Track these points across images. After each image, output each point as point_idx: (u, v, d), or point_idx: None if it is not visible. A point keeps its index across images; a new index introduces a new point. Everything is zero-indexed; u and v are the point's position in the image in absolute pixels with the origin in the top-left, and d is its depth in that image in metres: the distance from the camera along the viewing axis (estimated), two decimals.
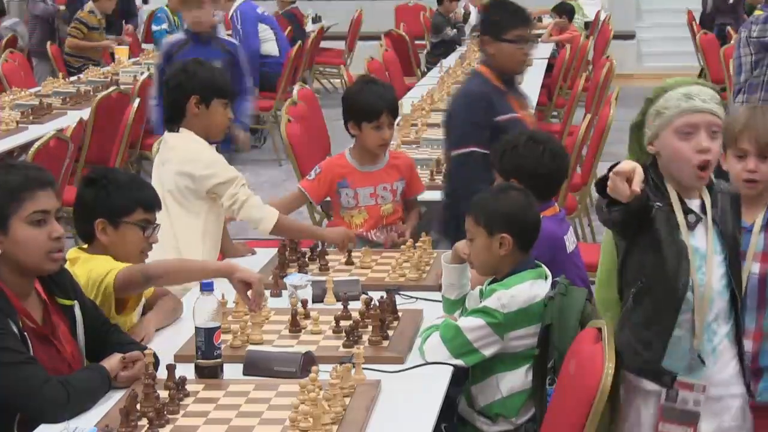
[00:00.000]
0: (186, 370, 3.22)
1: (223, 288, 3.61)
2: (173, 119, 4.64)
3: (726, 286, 3.17)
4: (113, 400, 3.12)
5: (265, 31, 11.40)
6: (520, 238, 3.57)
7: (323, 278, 4.09)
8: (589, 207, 7.64)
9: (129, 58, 11.52)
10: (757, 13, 7.10)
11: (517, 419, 3.57)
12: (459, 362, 3.47)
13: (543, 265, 3.62)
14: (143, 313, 3.78)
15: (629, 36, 16.98)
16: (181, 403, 3.08)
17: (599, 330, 3.17)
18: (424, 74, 12.05)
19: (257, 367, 3.32)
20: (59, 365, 3.17)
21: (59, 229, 3.18)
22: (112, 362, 3.20)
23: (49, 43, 11.57)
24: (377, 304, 3.66)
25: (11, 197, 3.12)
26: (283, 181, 10.05)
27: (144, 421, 2.94)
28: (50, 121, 7.93)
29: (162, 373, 3.16)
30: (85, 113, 7.87)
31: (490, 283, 3.60)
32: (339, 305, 3.79)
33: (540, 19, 14.12)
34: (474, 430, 3.64)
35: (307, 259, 4.41)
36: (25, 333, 3.10)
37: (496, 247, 3.56)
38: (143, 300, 3.77)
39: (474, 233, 3.61)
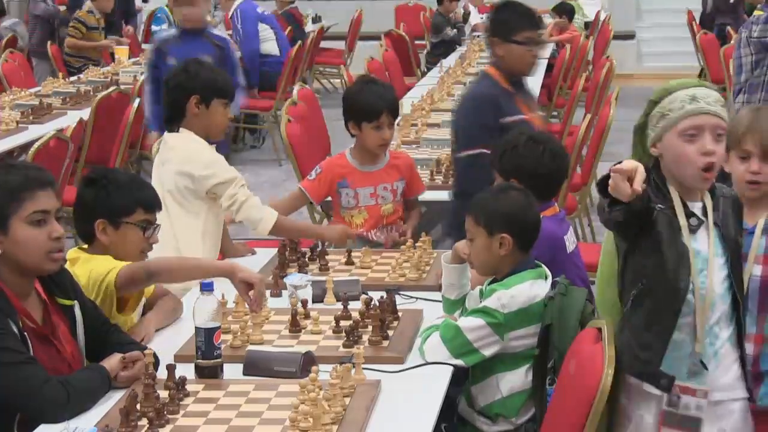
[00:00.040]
0: (186, 370, 3.22)
1: (223, 288, 3.61)
2: (173, 119, 4.64)
3: (728, 290, 3.15)
4: (113, 400, 3.12)
5: (265, 31, 11.41)
6: (520, 238, 3.57)
7: (323, 278, 4.09)
8: (589, 207, 7.64)
9: (129, 58, 11.52)
10: (757, 13, 7.10)
11: (517, 419, 3.57)
12: (459, 362, 3.47)
13: (543, 265, 3.62)
14: (143, 313, 3.78)
15: (629, 36, 16.98)
16: (181, 403, 3.08)
17: (599, 330, 3.17)
18: (424, 74, 12.05)
19: (257, 367, 3.32)
20: (59, 365, 3.17)
21: (59, 229, 3.18)
22: (112, 362, 3.20)
23: (49, 43, 11.57)
24: (377, 304, 3.66)
25: (11, 197, 3.12)
26: (283, 181, 10.05)
27: (144, 421, 2.94)
28: (50, 121, 7.93)
29: (162, 373, 3.16)
30: (85, 113, 7.87)
31: (490, 283, 3.60)
32: (339, 305, 3.79)
33: (540, 19, 14.12)
34: (474, 430, 3.65)
35: (307, 259, 4.41)
36: (25, 333, 3.10)
37: (496, 247, 3.56)
38: (143, 300, 3.77)
39: (474, 233, 3.61)
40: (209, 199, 4.56)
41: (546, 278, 3.57)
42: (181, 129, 4.62)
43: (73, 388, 3.06)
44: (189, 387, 3.16)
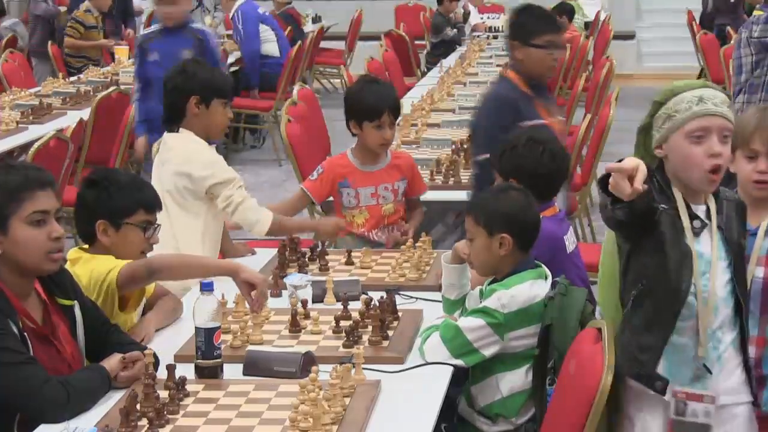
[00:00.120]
0: (186, 370, 3.22)
1: (223, 288, 3.62)
2: (173, 119, 4.64)
3: (731, 293, 3.13)
4: (113, 400, 3.12)
5: (266, 32, 11.41)
6: (520, 238, 3.57)
7: (323, 278, 4.09)
8: (589, 207, 7.64)
9: (129, 58, 11.51)
10: (756, 13, 7.10)
11: (517, 419, 3.57)
12: (459, 362, 3.47)
13: (543, 265, 3.62)
14: (143, 313, 3.78)
15: (629, 36, 16.98)
16: (181, 403, 3.08)
17: (599, 330, 3.17)
18: (424, 74, 12.05)
19: (257, 367, 3.32)
20: (59, 365, 3.18)
21: (59, 230, 3.18)
22: (112, 362, 3.20)
23: (49, 43, 11.56)
24: (377, 304, 3.66)
25: (11, 197, 3.12)
26: (283, 181, 10.05)
27: (144, 421, 2.94)
28: (50, 121, 7.93)
29: (162, 373, 3.16)
30: (85, 113, 7.87)
31: (490, 283, 3.60)
32: (339, 305, 3.79)
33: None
34: (474, 430, 3.65)
35: (307, 259, 4.41)
36: (25, 333, 3.10)
37: (496, 247, 3.56)
38: (144, 300, 3.77)
39: (474, 233, 3.61)
40: (208, 199, 4.56)
41: (546, 278, 3.57)
42: (180, 129, 4.62)
43: (73, 388, 3.06)
44: (189, 387, 3.16)
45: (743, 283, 3.19)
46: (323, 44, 14.77)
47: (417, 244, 4.39)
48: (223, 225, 4.71)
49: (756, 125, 3.48)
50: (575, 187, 7.09)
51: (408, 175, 5.10)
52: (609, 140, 7.35)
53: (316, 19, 15.47)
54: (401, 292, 4.01)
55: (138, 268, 3.54)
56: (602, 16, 15.45)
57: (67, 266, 3.50)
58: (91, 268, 3.55)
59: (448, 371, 3.41)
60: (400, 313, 3.74)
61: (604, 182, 2.95)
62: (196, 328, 3.29)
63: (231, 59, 11.74)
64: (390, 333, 3.60)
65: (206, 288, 3.29)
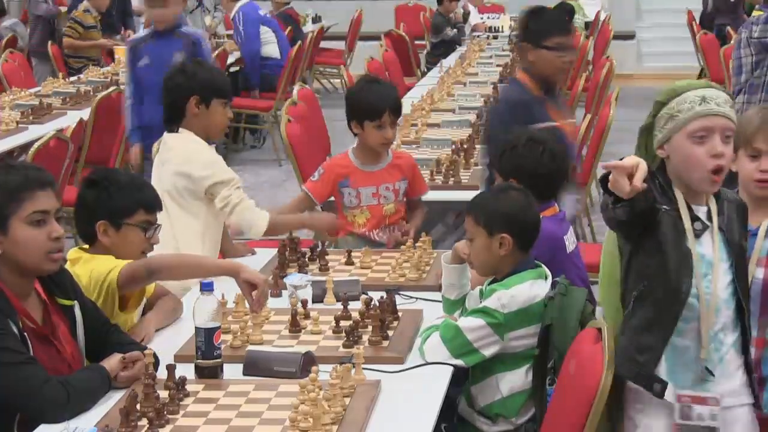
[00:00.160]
0: (186, 370, 3.22)
1: (223, 288, 3.62)
2: (173, 119, 4.64)
3: (732, 295, 3.11)
4: (113, 400, 3.12)
5: (266, 33, 11.42)
6: (520, 238, 3.57)
7: (323, 278, 4.09)
8: (589, 207, 7.65)
9: None
10: (756, 13, 7.10)
11: (517, 419, 3.57)
12: (459, 362, 3.47)
13: (543, 265, 3.62)
14: (143, 313, 3.78)
15: (629, 36, 16.98)
16: (181, 403, 3.08)
17: (599, 330, 3.16)
18: (424, 74, 12.05)
19: (257, 367, 3.32)
20: (59, 365, 3.18)
21: (59, 230, 3.18)
22: (112, 362, 3.20)
23: (49, 43, 11.56)
24: (377, 304, 3.66)
25: (11, 197, 3.12)
26: (283, 181, 10.06)
27: (144, 421, 2.94)
28: (50, 121, 7.92)
29: (162, 373, 3.16)
30: (85, 113, 7.86)
31: (490, 283, 3.60)
32: (339, 305, 3.79)
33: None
34: (474, 430, 3.65)
35: (307, 259, 4.41)
36: (25, 333, 3.10)
37: (496, 247, 3.56)
38: (144, 300, 3.77)
39: (474, 233, 3.61)
40: (208, 199, 4.57)
41: (546, 278, 3.57)
42: (180, 129, 4.62)
43: (73, 388, 3.06)
44: (189, 387, 3.16)
45: (745, 285, 3.17)
46: (323, 44, 14.77)
47: (417, 244, 4.39)
48: (224, 225, 4.70)
49: (759, 124, 3.46)
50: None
51: (409, 175, 5.10)
52: (609, 140, 7.35)
53: (316, 19, 15.47)
54: (401, 292, 4.01)
55: (138, 268, 3.54)
56: (602, 16, 15.45)
57: (67, 266, 3.50)
58: (91, 268, 3.56)
59: (448, 371, 3.41)
60: (400, 313, 3.74)
61: (604, 181, 2.93)
62: (196, 328, 3.29)
63: (231, 59, 11.75)
64: (390, 333, 3.60)
65: (206, 288, 3.29)
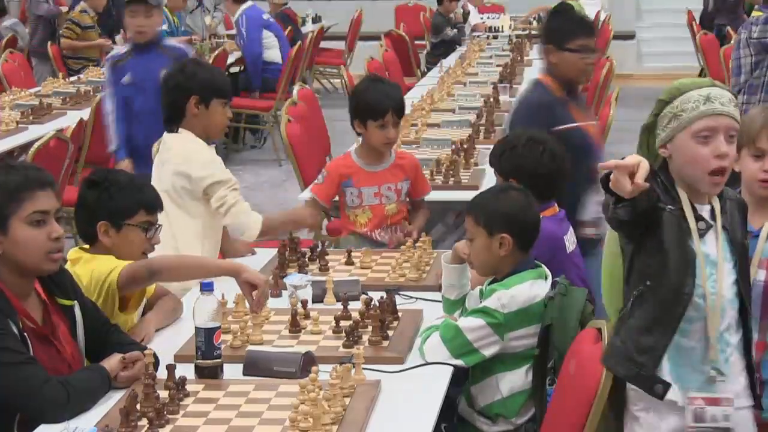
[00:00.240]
0: (186, 370, 3.22)
1: (223, 288, 3.62)
2: (172, 120, 4.64)
3: (736, 295, 3.08)
4: (113, 400, 3.12)
5: (269, 38, 11.42)
6: (520, 238, 3.57)
7: (323, 278, 4.09)
8: None
9: None
10: (756, 13, 7.10)
11: (517, 419, 3.57)
12: (459, 362, 3.47)
13: (543, 265, 3.62)
14: (143, 313, 3.78)
15: (629, 36, 16.97)
16: (181, 403, 3.08)
17: (599, 330, 3.16)
18: (424, 74, 12.04)
19: (257, 367, 3.32)
20: (59, 365, 3.18)
21: (59, 230, 3.19)
22: (112, 362, 3.21)
23: (49, 43, 11.56)
24: (377, 304, 3.66)
25: (11, 198, 3.13)
26: (283, 181, 10.05)
27: (144, 421, 2.94)
28: (50, 121, 7.92)
29: (162, 373, 3.16)
30: (85, 113, 7.86)
31: (490, 283, 3.61)
32: (339, 305, 3.79)
33: (540, 19, 14.13)
34: (474, 430, 3.65)
35: (307, 259, 4.41)
36: (25, 333, 3.10)
37: (496, 247, 3.56)
38: (144, 300, 3.77)
39: (474, 233, 3.61)
40: (205, 200, 4.57)
41: (546, 278, 3.57)
42: (180, 129, 4.62)
43: (73, 388, 3.06)
44: (189, 387, 3.16)
45: (747, 285, 3.14)
46: (323, 44, 14.77)
47: (417, 244, 4.40)
48: (223, 225, 4.71)
49: (762, 124, 3.44)
50: None
51: (411, 175, 5.11)
52: (609, 140, 7.35)
53: (316, 19, 15.47)
54: (401, 292, 4.01)
55: (139, 269, 3.54)
56: (602, 16, 15.44)
57: (68, 266, 3.50)
58: (92, 269, 3.56)
59: (448, 371, 3.41)
60: (400, 313, 3.74)
61: (605, 181, 2.90)
62: (196, 328, 3.29)
63: (231, 59, 11.75)
64: (390, 333, 3.60)
65: (206, 288, 3.29)
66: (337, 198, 5.11)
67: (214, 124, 4.65)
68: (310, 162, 6.81)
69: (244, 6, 11.41)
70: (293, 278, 4.05)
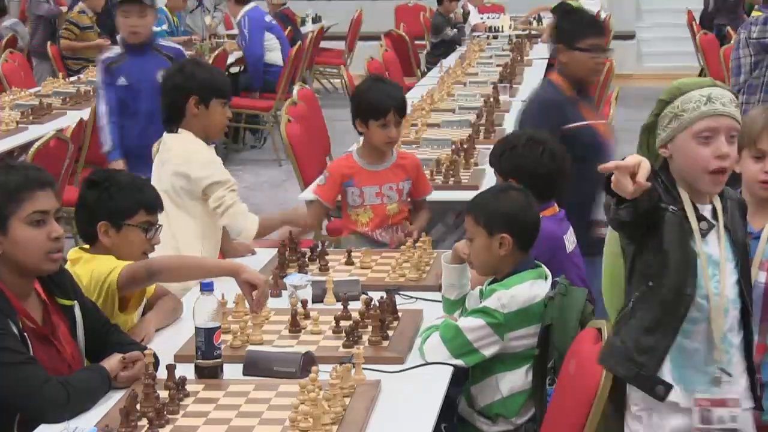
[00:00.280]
0: (186, 370, 3.22)
1: (223, 288, 3.62)
2: (172, 120, 4.64)
3: (738, 295, 3.06)
4: (113, 400, 3.12)
5: (270, 40, 11.42)
6: (519, 238, 3.57)
7: (323, 278, 4.09)
8: None
9: None
10: (755, 14, 7.11)
11: (517, 419, 3.57)
12: (459, 362, 3.47)
13: (543, 265, 3.62)
14: (143, 313, 3.79)
15: (629, 36, 16.97)
16: (181, 403, 3.08)
17: (599, 330, 3.16)
18: (424, 74, 12.04)
19: (257, 367, 3.32)
20: (59, 365, 3.18)
21: (58, 230, 3.19)
22: (112, 362, 3.21)
23: (49, 43, 11.56)
24: (377, 304, 3.66)
25: (10, 198, 3.13)
26: (283, 181, 10.06)
27: (144, 421, 2.94)
28: (50, 121, 7.93)
29: (162, 373, 3.16)
30: (85, 113, 7.86)
31: (490, 283, 3.61)
32: (339, 305, 3.79)
33: (540, 19, 14.14)
34: (474, 430, 3.65)
35: (307, 259, 4.41)
36: (25, 333, 3.10)
37: (496, 247, 3.56)
38: (144, 301, 3.77)
39: (474, 233, 3.61)
40: (203, 200, 4.57)
41: (546, 278, 3.57)
42: (180, 129, 4.62)
43: (73, 388, 3.06)
44: (189, 387, 3.16)
45: (749, 285, 3.12)
46: (323, 44, 14.77)
47: (417, 244, 4.40)
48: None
49: (763, 125, 3.42)
50: None
51: (413, 175, 5.11)
52: None
53: (316, 19, 15.47)
54: (401, 292, 4.01)
55: (138, 269, 3.55)
56: (602, 16, 15.44)
57: (68, 266, 3.50)
58: (92, 269, 3.56)
59: (448, 371, 3.41)
60: (400, 313, 3.74)
61: (607, 183, 2.88)
62: (196, 328, 3.29)
63: (231, 59, 11.75)
64: (390, 333, 3.60)
65: (206, 288, 3.29)
66: (339, 198, 5.12)
67: (213, 124, 4.65)
68: (310, 162, 6.81)
69: (247, 7, 11.41)
70: (293, 278, 4.05)
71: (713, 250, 3.04)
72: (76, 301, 3.31)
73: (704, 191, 3.05)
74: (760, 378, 3.24)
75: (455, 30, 13.54)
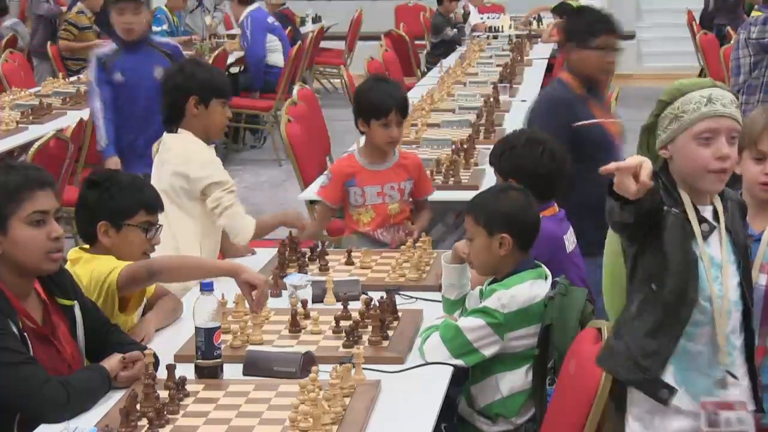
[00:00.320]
0: (186, 370, 3.22)
1: (223, 288, 3.62)
2: (172, 120, 4.64)
3: (740, 297, 3.03)
4: (113, 400, 3.12)
5: (273, 42, 11.42)
6: (519, 238, 3.57)
7: (323, 278, 4.09)
8: None
9: None
10: (755, 14, 7.11)
11: (517, 419, 3.57)
12: (459, 362, 3.47)
13: (543, 265, 3.62)
14: (143, 313, 3.79)
15: (629, 36, 16.92)
16: (181, 403, 3.08)
17: (599, 330, 3.16)
18: (424, 74, 12.04)
19: (257, 367, 3.32)
20: (59, 365, 3.18)
21: (58, 230, 3.19)
22: (112, 362, 3.21)
23: (49, 43, 11.56)
24: (377, 304, 3.66)
25: (10, 198, 3.13)
26: (283, 181, 10.05)
27: (144, 421, 2.94)
28: (50, 121, 7.93)
29: (162, 373, 3.16)
30: (85, 113, 7.83)
31: (490, 283, 3.61)
32: (339, 305, 3.79)
33: (540, 20, 14.13)
34: (474, 430, 3.65)
35: (307, 259, 4.41)
36: (25, 333, 3.10)
37: (496, 247, 3.56)
38: (144, 301, 3.77)
39: (473, 233, 3.61)
40: (202, 200, 4.56)
41: (546, 278, 3.57)
42: (180, 129, 4.62)
43: (73, 388, 3.06)
44: (189, 387, 3.16)
45: (751, 287, 3.10)
46: (323, 44, 14.77)
47: (417, 244, 4.40)
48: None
49: (764, 126, 3.40)
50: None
51: (415, 175, 5.12)
52: None
53: (316, 19, 15.47)
54: (401, 292, 4.01)
55: (138, 269, 3.55)
56: None
57: (68, 266, 3.50)
58: (92, 269, 3.56)
59: (448, 371, 3.41)
60: (400, 313, 3.74)
61: (609, 185, 2.85)
62: (196, 328, 3.29)
63: (231, 59, 11.75)
64: (390, 333, 3.60)
65: (206, 288, 3.29)
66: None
67: (213, 124, 4.65)
68: (310, 162, 6.81)
69: (251, 8, 11.41)
70: (293, 278, 4.05)
71: (715, 252, 3.02)
72: (76, 301, 3.31)
73: (705, 190, 3.03)
74: (760, 380, 3.23)
75: (455, 30, 13.54)
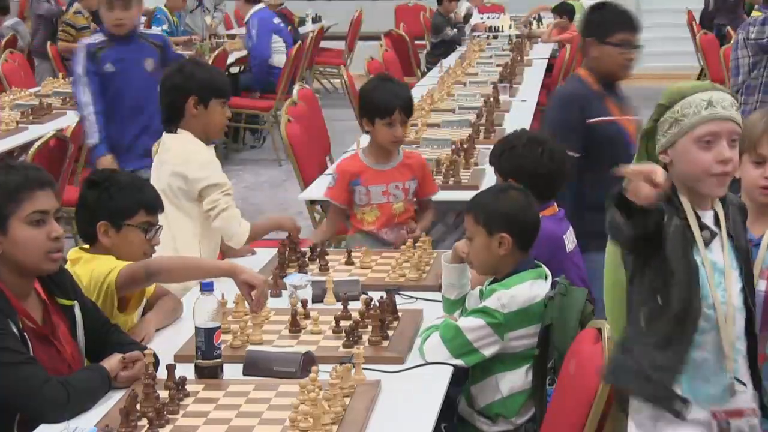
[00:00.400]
0: (186, 370, 3.22)
1: (223, 288, 3.62)
2: (171, 120, 4.64)
3: (744, 303, 2.99)
4: (113, 400, 3.12)
5: (277, 43, 11.41)
6: (519, 237, 3.57)
7: (323, 278, 4.09)
8: None
9: None
10: (755, 14, 7.11)
11: (517, 419, 3.57)
12: (459, 362, 3.47)
13: (543, 265, 3.62)
14: (143, 313, 3.79)
15: None
16: (181, 403, 3.08)
17: (599, 330, 3.16)
18: (424, 74, 12.04)
19: (257, 367, 3.32)
20: (59, 365, 3.18)
21: (58, 229, 3.19)
22: (112, 362, 3.21)
23: (49, 43, 11.56)
24: (377, 304, 3.66)
25: (10, 198, 3.13)
26: (283, 181, 10.05)
27: (144, 421, 2.94)
28: (50, 121, 7.92)
29: (162, 373, 3.16)
30: None
31: (491, 283, 3.61)
32: (339, 305, 3.79)
33: (540, 19, 14.13)
34: (474, 430, 3.65)
35: (307, 259, 4.41)
36: (25, 333, 3.10)
37: (496, 246, 3.56)
38: (144, 301, 3.77)
39: (473, 233, 3.61)
40: (199, 201, 4.56)
41: (546, 278, 3.57)
42: (179, 130, 4.62)
43: (73, 388, 3.06)
44: (189, 387, 3.16)
45: (753, 292, 3.06)
46: (323, 44, 14.78)
47: (417, 244, 4.40)
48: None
49: (763, 129, 3.38)
50: None
51: (419, 175, 5.12)
52: None
53: (316, 19, 15.47)
54: (401, 292, 4.01)
55: (137, 269, 3.55)
56: None
57: (68, 266, 3.50)
58: (92, 269, 3.56)
59: (448, 371, 3.41)
60: (400, 313, 3.74)
61: (614, 198, 2.79)
62: (196, 328, 3.29)
63: (231, 59, 11.75)
64: (390, 333, 3.60)
65: (206, 288, 3.29)
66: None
67: (213, 124, 4.65)
68: (310, 162, 6.81)
69: (257, 7, 11.40)
70: (293, 278, 4.05)
71: (717, 258, 2.97)
72: (76, 301, 3.31)
73: (707, 194, 2.98)
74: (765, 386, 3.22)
75: (455, 30, 13.54)
